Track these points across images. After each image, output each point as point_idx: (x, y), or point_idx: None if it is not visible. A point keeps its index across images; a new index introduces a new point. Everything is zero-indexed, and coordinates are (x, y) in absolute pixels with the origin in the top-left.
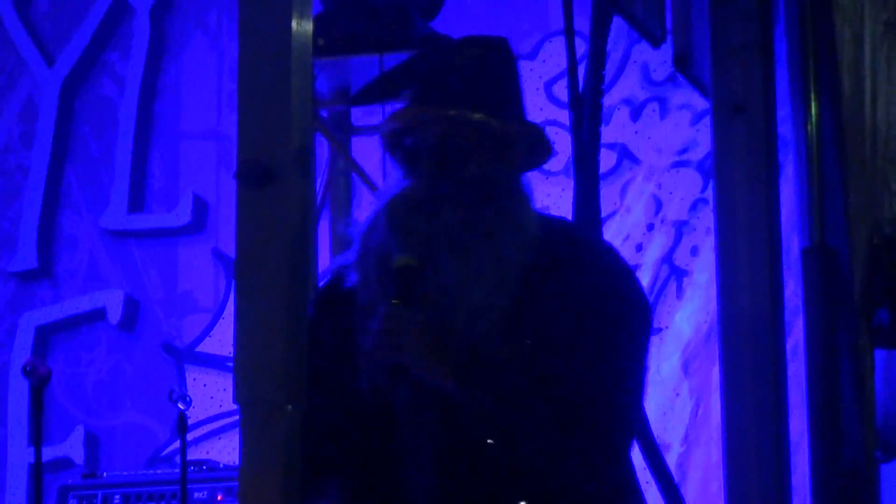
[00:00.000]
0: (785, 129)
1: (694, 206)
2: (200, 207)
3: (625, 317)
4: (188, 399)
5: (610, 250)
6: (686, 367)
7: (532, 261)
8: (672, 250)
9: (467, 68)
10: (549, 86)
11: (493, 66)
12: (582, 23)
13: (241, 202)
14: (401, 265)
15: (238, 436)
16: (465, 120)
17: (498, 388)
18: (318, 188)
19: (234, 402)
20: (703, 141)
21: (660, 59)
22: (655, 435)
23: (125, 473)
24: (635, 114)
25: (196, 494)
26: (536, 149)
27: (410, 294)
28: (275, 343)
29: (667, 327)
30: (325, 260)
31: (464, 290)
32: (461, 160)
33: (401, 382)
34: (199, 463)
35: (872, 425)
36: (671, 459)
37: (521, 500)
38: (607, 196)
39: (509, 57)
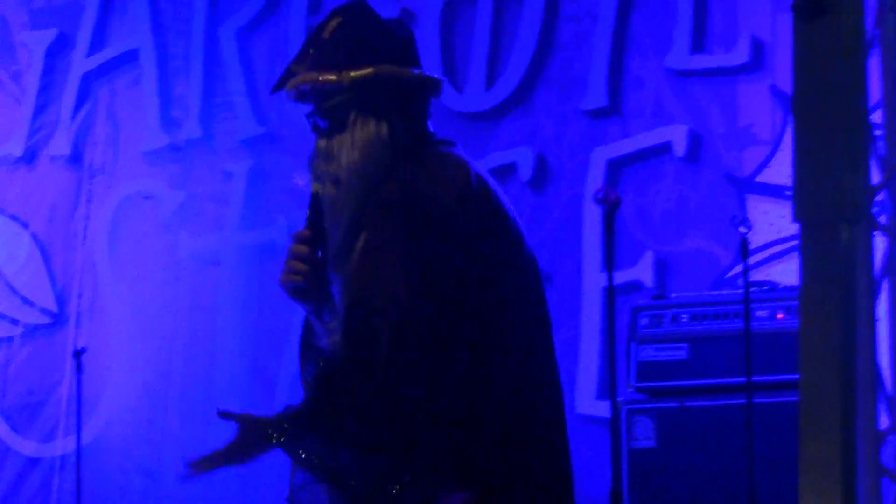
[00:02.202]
0: None
1: None
2: (758, 48)
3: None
4: (749, 224)
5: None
6: None
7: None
8: None
9: (310, 34)
10: None
11: (323, 28)
12: None
13: (796, 34)
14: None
15: (796, 257)
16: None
17: None
18: (867, 25)
19: (793, 221)
20: None
21: None
22: None
23: (692, 294)
24: None
25: (757, 313)
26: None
27: (314, 218)
28: (831, 167)
29: None
30: (875, 95)
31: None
32: (311, 107)
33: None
34: (760, 284)
35: None
36: None
37: None
38: None
39: (341, 18)
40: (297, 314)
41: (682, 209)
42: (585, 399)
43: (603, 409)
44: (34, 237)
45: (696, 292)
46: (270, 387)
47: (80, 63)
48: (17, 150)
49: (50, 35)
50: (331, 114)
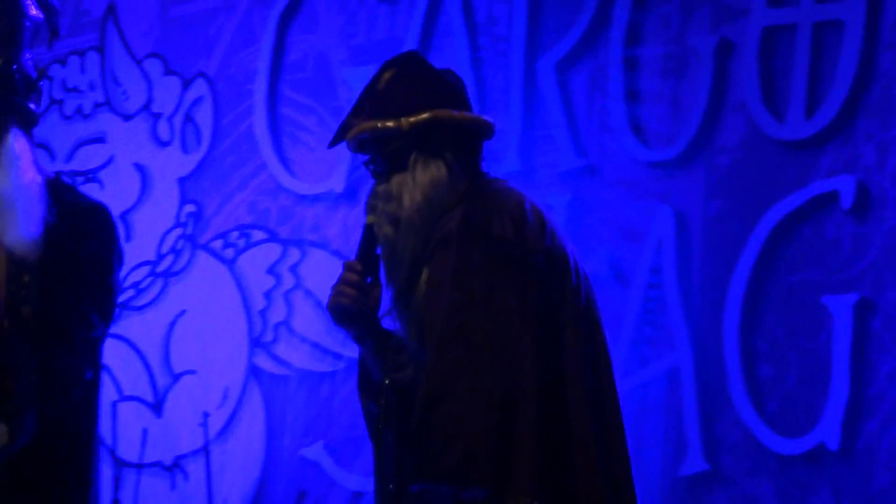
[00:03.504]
0: None
1: None
2: None
3: None
4: None
5: None
6: None
7: None
8: None
9: (364, 89)
10: None
11: (377, 80)
12: None
13: None
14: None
15: None
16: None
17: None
18: None
19: None
20: None
21: None
22: None
23: None
24: None
25: None
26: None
27: (366, 248)
28: None
29: None
30: None
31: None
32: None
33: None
34: None
35: None
36: None
37: None
38: None
39: (395, 70)
40: None
41: None
42: None
43: None
44: None
45: None
46: None
47: None
48: (339, 186)
49: (371, 71)
50: (390, 158)
